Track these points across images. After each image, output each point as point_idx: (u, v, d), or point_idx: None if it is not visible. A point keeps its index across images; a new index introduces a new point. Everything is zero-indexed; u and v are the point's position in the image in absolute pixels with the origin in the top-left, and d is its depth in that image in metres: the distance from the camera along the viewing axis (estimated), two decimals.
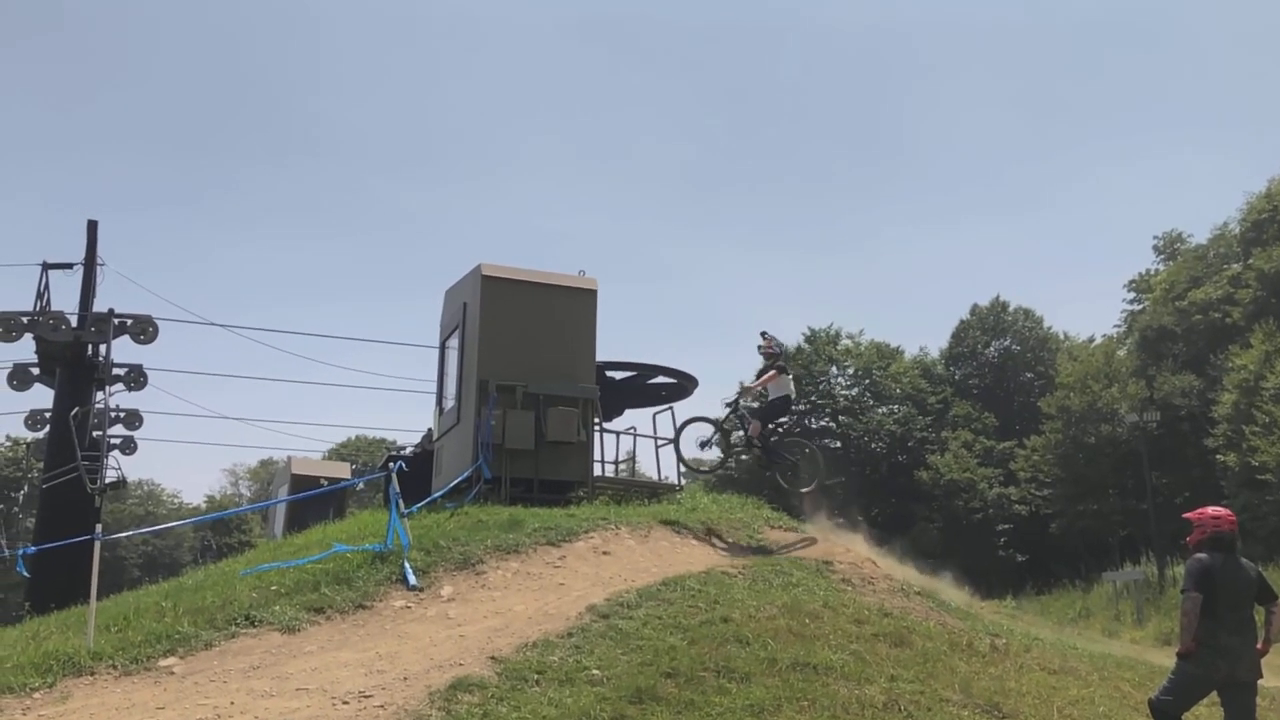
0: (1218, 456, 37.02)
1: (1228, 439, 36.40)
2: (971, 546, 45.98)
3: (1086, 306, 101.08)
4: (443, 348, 15.98)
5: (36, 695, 6.97)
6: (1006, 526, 48.72)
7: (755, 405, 14.04)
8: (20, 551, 9.64)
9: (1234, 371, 36.98)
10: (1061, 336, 56.57)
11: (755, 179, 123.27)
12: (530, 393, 13.88)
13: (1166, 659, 9.36)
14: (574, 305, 14.74)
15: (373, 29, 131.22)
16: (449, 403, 15.23)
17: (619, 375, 16.56)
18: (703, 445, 14.09)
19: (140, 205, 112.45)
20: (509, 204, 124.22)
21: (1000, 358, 57.16)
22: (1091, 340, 53.72)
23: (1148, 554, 35.27)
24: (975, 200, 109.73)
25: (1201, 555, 6.80)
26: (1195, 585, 6.67)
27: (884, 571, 12.16)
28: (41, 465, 23.68)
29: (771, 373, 13.68)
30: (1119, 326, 53.51)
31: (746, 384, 14.24)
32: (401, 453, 18.58)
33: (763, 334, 13.76)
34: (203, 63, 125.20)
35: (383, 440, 60.60)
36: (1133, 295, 52.69)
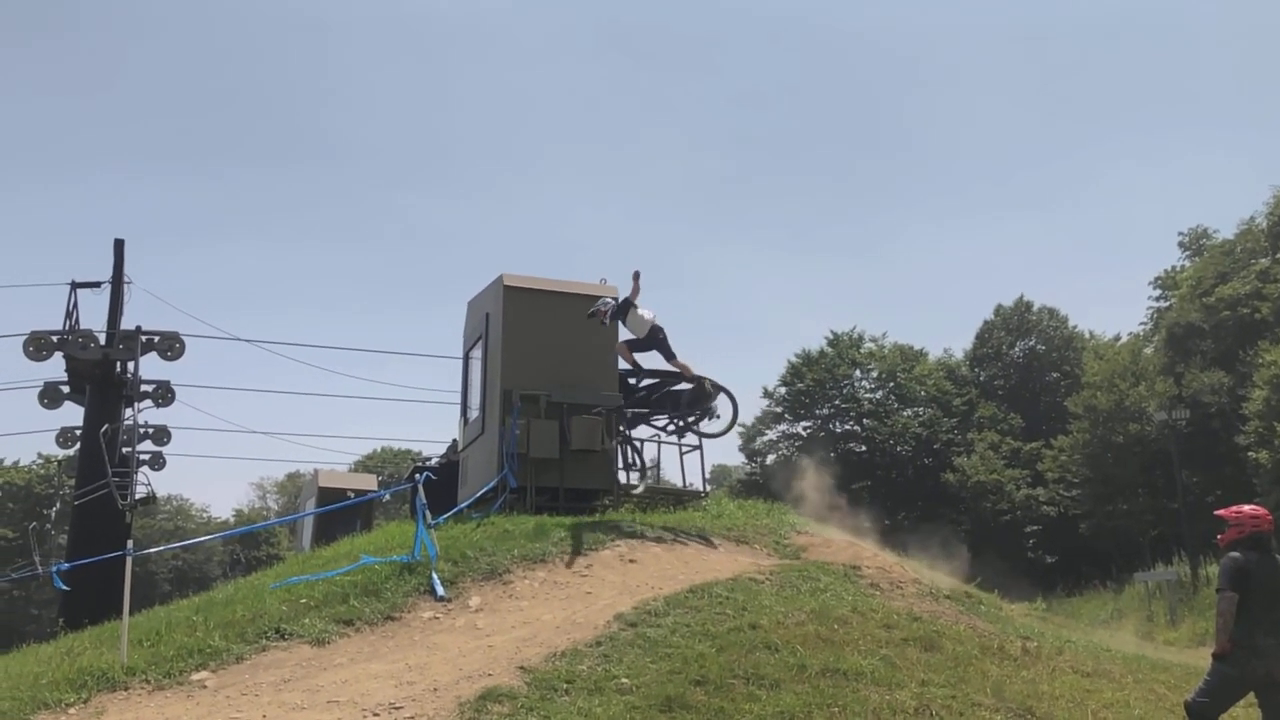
0: (1249, 454, 36.53)
1: (1259, 436, 35.92)
2: (1000, 548, 45.62)
3: (1112, 305, 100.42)
4: (466, 358, 16.03)
5: (71, 711, 7.05)
6: (1035, 528, 48.35)
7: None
8: (55, 568, 9.75)
9: (1264, 367, 36.49)
10: (1087, 335, 56.12)
11: (774, 183, 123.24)
12: (554, 402, 13.89)
13: (1202, 660, 9.24)
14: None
15: (392, 40, 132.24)
16: (473, 413, 15.27)
17: (642, 383, 16.53)
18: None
19: (165, 222, 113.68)
20: (529, 213, 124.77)
21: (1025, 358, 56.78)
22: (1118, 338, 53.28)
23: (1179, 554, 34.88)
24: (997, 200, 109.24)
25: (1236, 554, 6.71)
26: (1230, 585, 6.59)
27: (912, 575, 12.08)
28: (73, 482, 23.96)
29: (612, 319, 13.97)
30: (1145, 324, 53.05)
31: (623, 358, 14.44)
32: (427, 464, 18.64)
33: (593, 315, 14.00)
34: (226, 81, 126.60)
35: (408, 452, 60.84)
36: (1159, 292, 52.21)
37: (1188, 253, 51.43)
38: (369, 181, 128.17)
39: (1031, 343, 56.88)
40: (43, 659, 9.49)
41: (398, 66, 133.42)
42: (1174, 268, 51.68)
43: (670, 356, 14.28)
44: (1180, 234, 52.14)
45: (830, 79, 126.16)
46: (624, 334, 14.44)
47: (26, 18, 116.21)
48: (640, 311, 14.02)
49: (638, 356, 14.55)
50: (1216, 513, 7.18)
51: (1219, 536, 7.03)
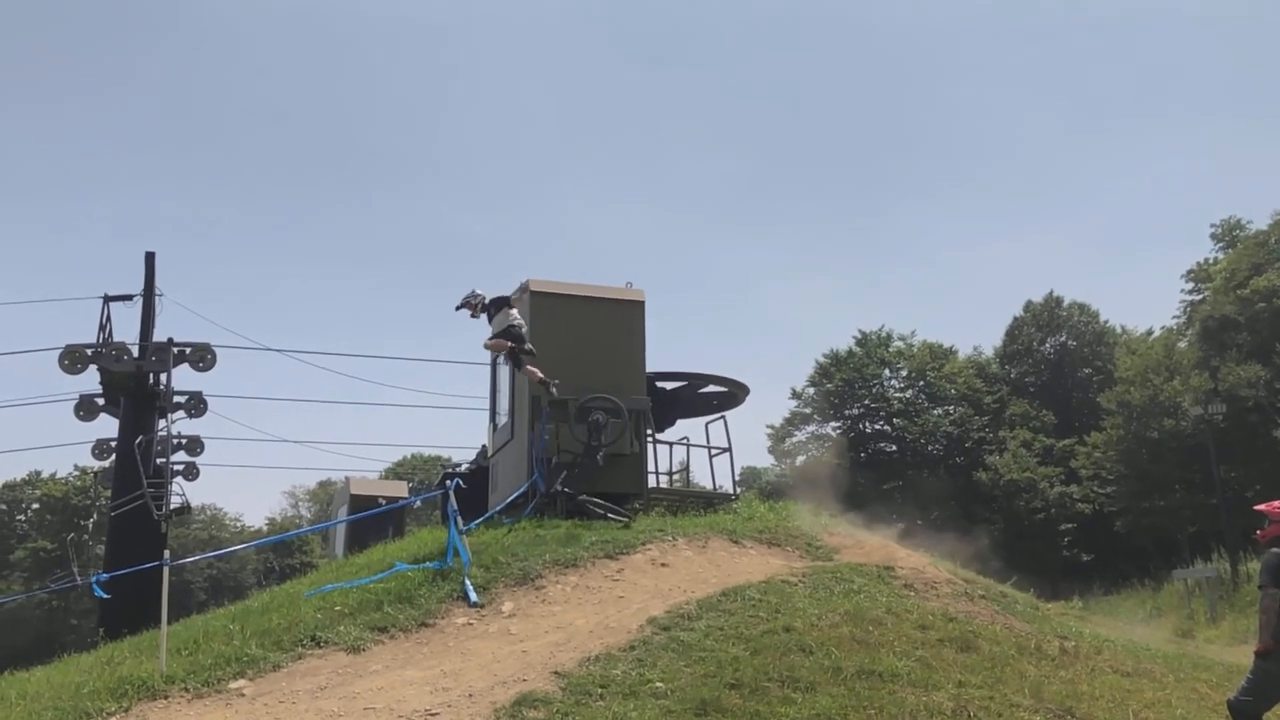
0: None
1: None
2: (1035, 547, 45.24)
3: (1143, 299, 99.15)
4: (494, 364, 16.08)
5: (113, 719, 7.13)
6: (1070, 526, 47.89)
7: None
8: (95, 578, 9.89)
9: None
10: (1119, 330, 55.50)
11: (799, 182, 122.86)
12: (582, 406, 13.89)
13: (1244, 658, 9.11)
14: (622, 317, 14.75)
15: (414, 47, 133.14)
16: (502, 419, 15.31)
17: (670, 385, 16.52)
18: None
19: (193, 231, 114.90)
20: (554, 218, 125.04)
21: (1056, 354, 56.25)
22: (1150, 333, 52.60)
23: (1219, 550, 34.37)
24: (1025, 195, 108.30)
25: (1278, 550, 6.62)
26: (1273, 581, 6.51)
27: (946, 575, 11.98)
28: (109, 493, 24.26)
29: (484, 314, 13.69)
30: (1178, 318, 52.33)
31: (488, 343, 13.86)
32: (457, 470, 18.71)
33: (463, 306, 13.76)
34: (247, 88, 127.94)
35: (438, 458, 61.18)
36: (1191, 285, 51.52)
37: (1220, 244, 50.69)
38: (390, 189, 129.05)
39: (1062, 339, 56.33)
40: (83, 668, 9.61)
41: (420, 73, 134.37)
42: (1207, 260, 50.97)
43: (514, 351, 13.58)
44: (1212, 226, 51.42)
45: (854, 76, 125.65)
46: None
47: (44, 22, 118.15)
48: (511, 311, 13.64)
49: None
50: (1256, 508, 7.10)
51: (1259, 532, 6.94)
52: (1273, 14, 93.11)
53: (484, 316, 13.82)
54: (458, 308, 13.84)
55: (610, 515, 12.88)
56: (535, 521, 12.62)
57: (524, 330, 13.54)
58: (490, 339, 13.76)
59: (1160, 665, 9.54)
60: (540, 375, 13.45)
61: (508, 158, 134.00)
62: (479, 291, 13.80)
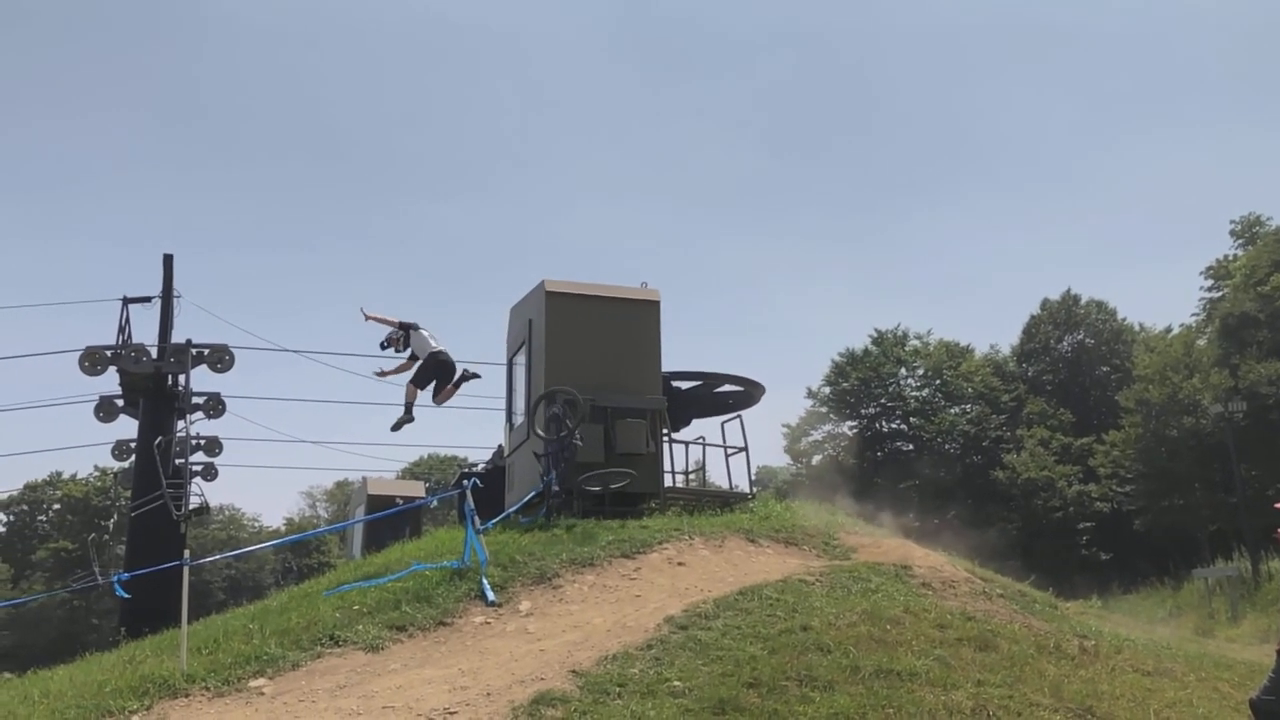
0: None
1: None
2: (1053, 546, 45.04)
3: (1162, 296, 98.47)
4: (510, 364, 16.12)
5: (135, 718, 7.19)
6: (1088, 525, 47.63)
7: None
8: (116, 577, 9.98)
9: None
10: (1137, 328, 55.17)
11: (812, 180, 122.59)
12: (598, 406, 13.91)
13: (1266, 657, 9.04)
14: (638, 317, 14.76)
15: (424, 51, 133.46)
16: (518, 419, 15.35)
17: (686, 385, 16.52)
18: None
19: (209, 231, 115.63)
20: (569, 220, 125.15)
21: (1074, 352, 55.96)
22: (1169, 330, 52.27)
23: (1240, 549, 34.14)
24: (1041, 194, 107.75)
25: None
26: None
27: (964, 574, 11.93)
28: (129, 494, 24.47)
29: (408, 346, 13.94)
30: (1197, 315, 52.01)
31: (386, 370, 14.33)
32: (474, 469, 18.76)
33: (389, 344, 14.04)
34: (262, 89, 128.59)
35: (455, 458, 61.40)
36: (1211, 282, 51.18)
37: (1240, 241, 50.37)
38: (407, 190, 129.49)
39: (1080, 337, 56.06)
40: (105, 667, 9.68)
41: (432, 75, 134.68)
42: (1226, 257, 50.64)
43: (444, 386, 14.06)
44: (1232, 222, 51.14)
45: (869, 74, 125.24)
46: (418, 368, 14.19)
47: (63, 23, 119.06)
48: (424, 333, 14.01)
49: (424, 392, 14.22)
50: (1277, 506, 7.04)
51: (1278, 531, 6.88)
52: None
53: (408, 351, 14.10)
54: (383, 345, 14.10)
55: (613, 486, 13.00)
56: (551, 520, 12.64)
57: (440, 350, 13.95)
58: (410, 382, 13.99)
59: (1181, 664, 9.46)
60: (454, 390, 14.14)
61: (522, 159, 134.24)
62: (396, 330, 14.07)
